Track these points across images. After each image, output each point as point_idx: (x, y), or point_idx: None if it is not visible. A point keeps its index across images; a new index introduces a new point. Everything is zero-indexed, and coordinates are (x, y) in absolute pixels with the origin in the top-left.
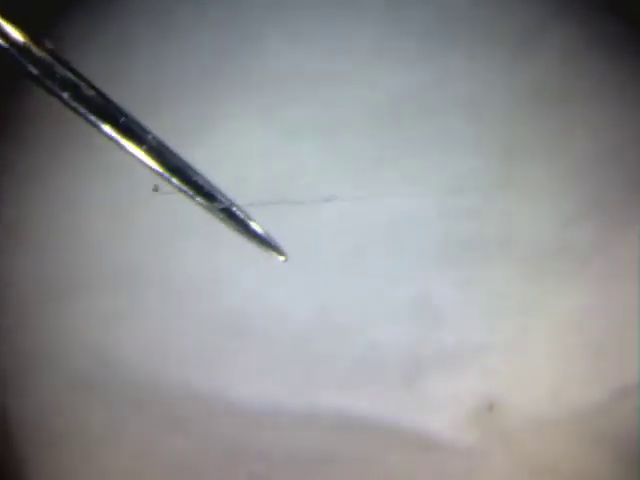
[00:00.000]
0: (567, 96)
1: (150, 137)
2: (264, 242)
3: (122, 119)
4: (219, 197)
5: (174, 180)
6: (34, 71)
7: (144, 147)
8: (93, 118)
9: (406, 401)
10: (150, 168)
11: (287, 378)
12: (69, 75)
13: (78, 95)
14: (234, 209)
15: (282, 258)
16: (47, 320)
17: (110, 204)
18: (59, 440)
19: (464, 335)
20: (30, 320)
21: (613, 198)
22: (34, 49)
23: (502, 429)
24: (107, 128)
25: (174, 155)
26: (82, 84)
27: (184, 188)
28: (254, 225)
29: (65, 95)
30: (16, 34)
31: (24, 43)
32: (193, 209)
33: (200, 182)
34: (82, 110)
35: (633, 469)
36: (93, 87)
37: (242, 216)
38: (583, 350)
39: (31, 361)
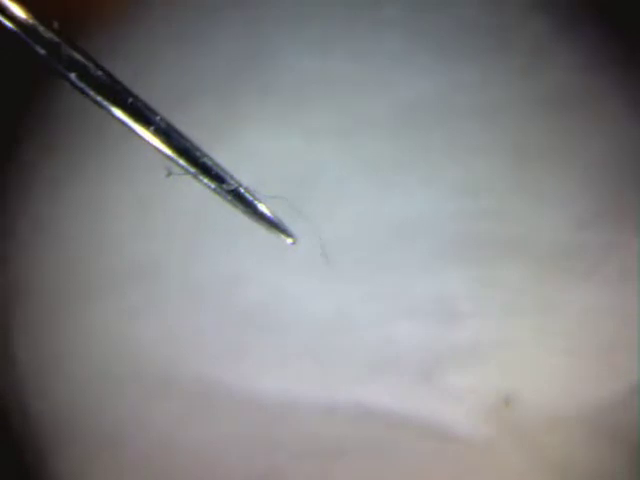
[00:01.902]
0: (579, 102)
1: (158, 119)
2: (272, 225)
3: (130, 100)
4: (227, 179)
5: (182, 162)
6: (41, 51)
7: (152, 128)
8: (100, 99)
9: (423, 395)
10: (158, 150)
11: (307, 371)
12: (76, 56)
13: (85, 76)
14: (243, 191)
15: (290, 240)
16: (69, 316)
17: (131, 203)
18: (79, 434)
19: (481, 332)
20: (52, 316)
21: (626, 201)
22: (41, 30)
23: (517, 424)
24: (115, 109)
25: (182, 137)
26: (90, 65)
27: (192, 170)
28: (262, 207)
29: (72, 76)
30: (23, 15)
31: (31, 24)
32: (212, 207)
33: (209, 164)
34: (89, 91)
35: None
36: (101, 68)
37: (251, 198)
38: (597, 348)
39: (53, 356)
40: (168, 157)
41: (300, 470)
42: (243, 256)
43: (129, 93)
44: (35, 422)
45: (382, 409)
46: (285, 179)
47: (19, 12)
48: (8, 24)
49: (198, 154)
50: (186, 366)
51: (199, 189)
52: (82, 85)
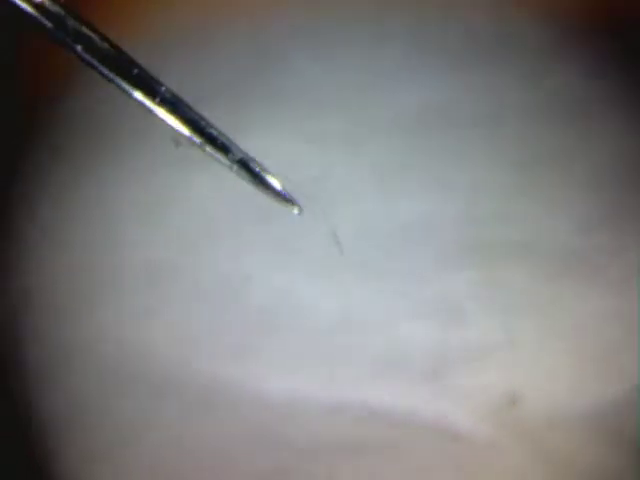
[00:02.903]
0: (583, 108)
1: (163, 89)
2: (278, 195)
3: (135, 71)
4: (233, 149)
5: (188, 132)
6: (48, 24)
7: (157, 99)
8: (106, 70)
9: (428, 395)
10: (163, 120)
11: (314, 371)
12: (82, 28)
13: (91, 47)
14: (248, 161)
15: (296, 210)
16: (80, 316)
17: (141, 205)
18: (88, 434)
19: (485, 333)
20: (64, 316)
21: (629, 205)
22: (47, 3)
23: (521, 424)
24: (120, 81)
25: (188, 107)
26: (95, 36)
27: (198, 140)
28: (269, 177)
29: (79, 48)
30: None
31: None
32: (221, 209)
33: (214, 134)
34: (95, 63)
35: None
36: (106, 39)
37: (257, 168)
38: (600, 349)
39: (64, 356)
40: (174, 128)
41: (306, 469)
42: (250, 258)
43: (134, 64)
44: (42, 422)
45: (387, 409)
46: (292, 183)
47: None
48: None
49: (204, 124)
50: (193, 367)
51: (207, 191)
52: (88, 57)
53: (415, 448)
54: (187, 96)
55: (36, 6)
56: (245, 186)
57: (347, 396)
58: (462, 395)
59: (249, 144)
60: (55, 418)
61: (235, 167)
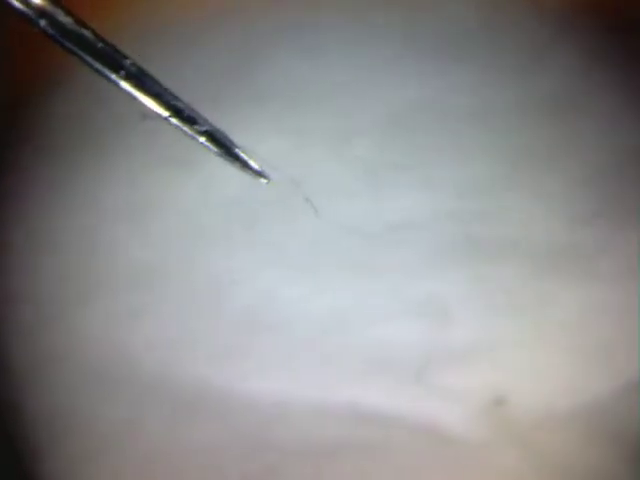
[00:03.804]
0: (575, 105)
1: (128, 63)
2: (246, 166)
3: (99, 45)
4: (200, 121)
5: (153, 105)
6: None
7: (122, 73)
8: (70, 45)
9: (417, 395)
10: (129, 94)
11: (302, 372)
12: (45, 3)
13: (55, 22)
14: (215, 132)
15: (264, 181)
16: (66, 319)
17: (128, 206)
18: (74, 437)
19: (474, 331)
20: (47, 319)
21: (621, 200)
22: None
23: (511, 423)
24: (84, 54)
25: (153, 81)
26: (58, 11)
27: (165, 114)
28: (236, 148)
29: (42, 22)
30: None
31: None
32: (207, 211)
33: (180, 106)
34: (59, 37)
35: None
36: (69, 14)
37: (224, 139)
38: (592, 347)
39: (48, 359)
40: (139, 101)
41: (294, 470)
42: (237, 259)
43: (99, 38)
44: (29, 425)
45: (375, 409)
46: (280, 181)
47: None
48: None
49: (169, 97)
50: (180, 369)
51: (194, 192)
52: (52, 32)
53: (403, 449)
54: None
55: None
56: (232, 188)
57: (335, 397)
58: (450, 395)
59: (235, 141)
60: (41, 421)
61: (202, 138)
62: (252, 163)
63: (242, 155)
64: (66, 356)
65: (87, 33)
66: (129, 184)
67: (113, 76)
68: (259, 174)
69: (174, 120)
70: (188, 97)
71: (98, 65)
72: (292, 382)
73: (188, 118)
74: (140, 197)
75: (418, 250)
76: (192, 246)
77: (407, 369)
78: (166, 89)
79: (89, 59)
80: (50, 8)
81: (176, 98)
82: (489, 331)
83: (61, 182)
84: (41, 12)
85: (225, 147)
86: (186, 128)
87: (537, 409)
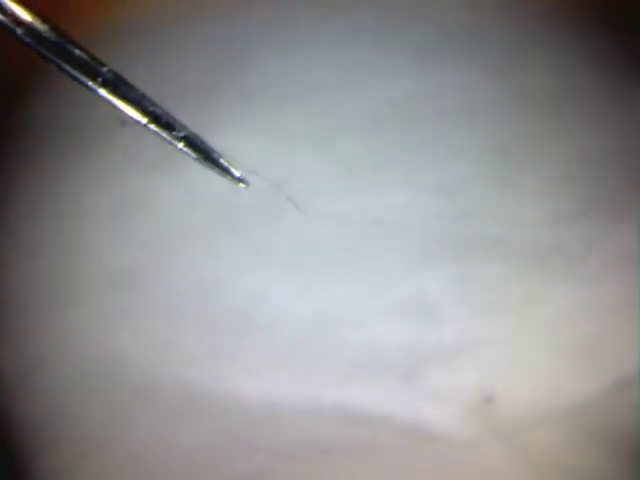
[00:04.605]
0: (557, 103)
1: (105, 70)
2: (225, 171)
3: (76, 52)
4: (177, 126)
5: (132, 112)
6: None
7: (99, 80)
8: (45, 52)
9: (406, 395)
10: (107, 101)
11: (288, 374)
12: (21, 13)
13: (32, 30)
14: (193, 138)
15: (242, 185)
16: (49, 323)
17: (111, 209)
18: (61, 441)
19: (462, 330)
20: (32, 323)
21: (606, 198)
22: None
23: (500, 422)
24: (61, 62)
25: (130, 87)
26: (35, 20)
27: (144, 120)
28: (215, 154)
29: (19, 31)
30: None
31: None
32: (191, 213)
33: (158, 112)
34: (36, 45)
35: (632, 463)
36: (47, 21)
37: (202, 145)
38: (579, 345)
39: (33, 363)
40: (117, 108)
41: (284, 471)
42: (222, 261)
43: (76, 46)
44: (18, 428)
45: (364, 409)
46: (263, 181)
47: None
48: None
49: (147, 103)
50: (168, 370)
51: (178, 194)
52: (29, 40)
53: (393, 449)
54: (153, 94)
55: None
56: (216, 189)
57: (323, 397)
58: (440, 394)
59: (216, 142)
60: (27, 425)
61: (181, 144)
62: (231, 168)
63: (221, 160)
64: (52, 360)
65: (64, 41)
66: (112, 186)
67: (90, 83)
68: (238, 179)
69: (152, 126)
70: (169, 98)
71: (75, 72)
72: (280, 383)
73: (166, 124)
74: (123, 200)
75: (403, 250)
76: (177, 247)
77: (395, 369)
78: (144, 95)
79: (66, 67)
80: (27, 16)
81: (154, 104)
82: (476, 330)
83: (43, 184)
84: (18, 21)
85: (204, 152)
86: (164, 134)
87: (525, 408)
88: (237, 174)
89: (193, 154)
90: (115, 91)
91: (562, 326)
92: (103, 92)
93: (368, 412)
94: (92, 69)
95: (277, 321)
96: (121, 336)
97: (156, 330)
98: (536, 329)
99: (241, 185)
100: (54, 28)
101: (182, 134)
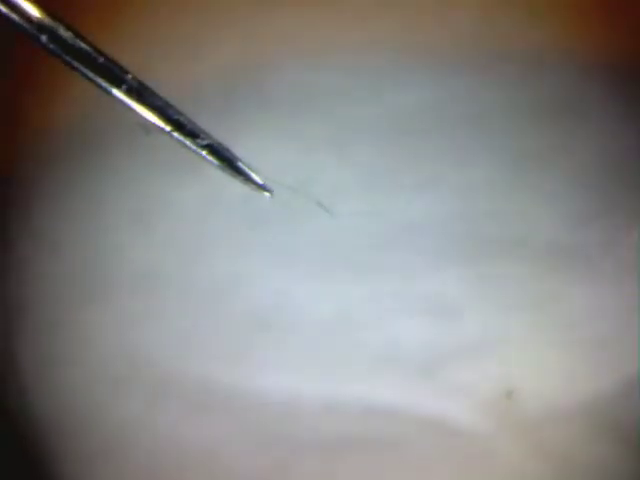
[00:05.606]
0: (572, 107)
1: (129, 77)
2: (249, 179)
3: (101, 59)
4: (202, 135)
5: (156, 120)
6: (12, 16)
7: (124, 87)
8: (69, 59)
9: (425, 391)
10: (131, 109)
11: (308, 371)
12: (45, 18)
13: (55, 37)
14: (217, 146)
15: (267, 194)
16: (72, 320)
17: (134, 210)
18: (82, 437)
19: (481, 328)
20: (56, 320)
21: (623, 199)
22: None
23: (518, 418)
24: (86, 70)
25: (155, 95)
26: (59, 27)
27: (167, 128)
28: (238, 162)
29: (43, 38)
30: None
31: None
32: (212, 213)
33: (182, 120)
34: (59, 52)
35: None
36: (69, 28)
37: (226, 153)
38: (596, 343)
39: (56, 360)
40: (142, 116)
41: (303, 466)
42: (244, 260)
43: (100, 53)
44: (38, 427)
45: (385, 405)
46: (284, 187)
47: None
48: None
49: (171, 112)
50: (187, 368)
51: (200, 195)
52: (53, 47)
53: (414, 444)
54: (174, 101)
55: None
56: (238, 189)
57: (344, 393)
58: (459, 391)
59: (236, 149)
60: (50, 421)
61: (204, 153)
62: (255, 176)
63: (244, 168)
64: (74, 356)
65: (88, 48)
66: (134, 187)
67: (114, 90)
68: (262, 187)
69: (176, 134)
70: (192, 105)
71: (99, 80)
72: (302, 379)
73: (190, 132)
74: (145, 201)
75: (423, 250)
76: (200, 247)
77: (416, 365)
78: (168, 103)
79: (90, 74)
80: (50, 23)
81: (178, 112)
82: (495, 328)
83: (67, 189)
84: (41, 27)
85: (227, 161)
86: (188, 142)
87: (543, 404)
88: (260, 182)
89: (216, 162)
90: (139, 98)
91: (579, 324)
92: (127, 99)
93: (389, 407)
94: (116, 76)
95: (299, 319)
96: (143, 333)
97: (176, 328)
98: (554, 327)
99: (265, 194)
100: (78, 35)
101: (206, 142)
